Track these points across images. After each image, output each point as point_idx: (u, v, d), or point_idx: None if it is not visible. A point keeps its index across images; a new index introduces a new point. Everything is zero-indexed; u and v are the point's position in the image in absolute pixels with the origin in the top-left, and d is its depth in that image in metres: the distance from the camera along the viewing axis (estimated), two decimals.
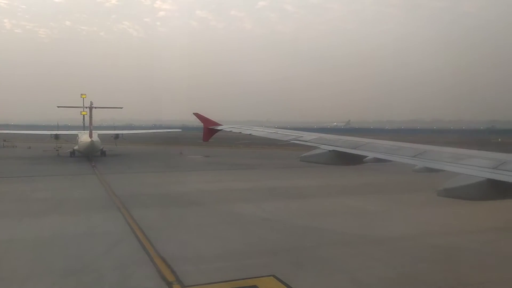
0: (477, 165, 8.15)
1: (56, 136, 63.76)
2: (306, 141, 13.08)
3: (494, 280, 13.51)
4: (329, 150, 11.38)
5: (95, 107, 57.24)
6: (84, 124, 65.57)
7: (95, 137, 54.16)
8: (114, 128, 73.40)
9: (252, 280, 13.08)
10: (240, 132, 17.08)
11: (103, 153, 58.74)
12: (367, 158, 10.12)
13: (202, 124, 18.25)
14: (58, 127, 71.09)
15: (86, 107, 59.85)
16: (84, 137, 54.84)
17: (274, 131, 16.45)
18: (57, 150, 62.19)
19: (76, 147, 56.88)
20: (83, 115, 65.48)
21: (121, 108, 75.37)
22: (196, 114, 18.62)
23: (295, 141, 13.66)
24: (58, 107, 69.62)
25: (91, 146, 53.31)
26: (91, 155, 54.84)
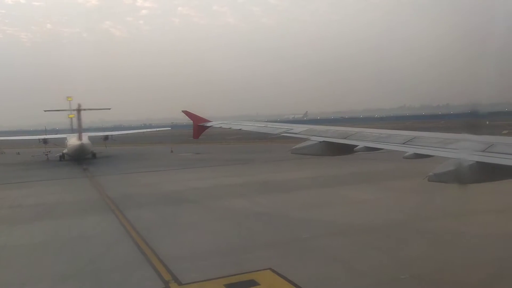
0: (466, 149, 8.24)
1: (45, 141, 63.11)
2: (296, 134, 13.12)
3: (486, 261, 13.71)
4: (320, 141, 11.43)
5: (83, 109, 56.60)
6: (72, 127, 64.97)
7: (84, 140, 53.62)
8: (103, 129, 72.88)
9: (249, 274, 13.12)
10: (230, 128, 17.09)
11: (93, 155, 58.21)
12: (358, 147, 10.19)
13: (192, 121, 18.19)
14: (46, 131, 70.44)
15: (73, 110, 59.25)
16: (73, 140, 54.25)
17: (264, 125, 16.49)
18: (46, 154, 61.53)
19: (65, 151, 56.24)
20: (71, 118, 64.94)
21: (109, 109, 74.72)
22: (185, 112, 18.55)
23: (286, 134, 13.69)
24: (45, 111, 68.85)
25: (81, 149, 52.76)
26: (81, 158, 54.32)
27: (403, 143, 9.63)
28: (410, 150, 9.03)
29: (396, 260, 14.24)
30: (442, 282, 12.48)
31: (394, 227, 18.15)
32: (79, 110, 55.21)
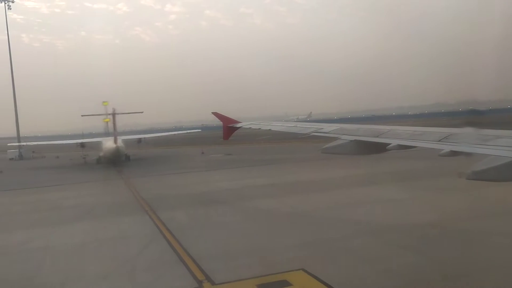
0: (505, 145, 7.90)
1: (82, 145, 65.23)
2: (326, 133, 12.98)
3: None
4: (351, 140, 11.25)
5: (117, 113, 58.24)
6: (107, 131, 66.95)
7: (119, 143, 55.13)
8: (137, 132, 74.68)
9: (281, 275, 13.06)
10: (259, 128, 17.08)
11: (127, 158, 59.74)
12: (390, 145, 9.96)
13: (222, 123, 18.31)
14: (83, 136, 72.89)
15: (108, 114, 61.03)
16: (108, 144, 55.92)
17: (293, 125, 16.44)
18: (83, 158, 63.63)
19: (101, 154, 57.98)
20: (106, 122, 66.90)
21: (142, 112, 76.42)
22: (215, 113, 18.69)
23: (316, 134, 13.56)
24: (82, 116, 71.26)
25: (116, 152, 54.28)
26: (116, 161, 55.82)
27: (439, 141, 9.33)
28: (446, 147, 8.74)
29: (430, 260, 13.82)
30: (474, 283, 12.02)
31: (429, 227, 17.61)
32: (113, 114, 56.83)
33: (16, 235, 20.83)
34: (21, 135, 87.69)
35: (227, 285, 12.73)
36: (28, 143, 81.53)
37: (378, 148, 10.75)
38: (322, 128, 13.59)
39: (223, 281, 12.93)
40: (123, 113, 63.26)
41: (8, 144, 79.69)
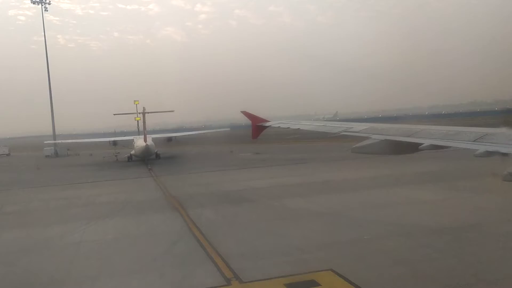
0: None
1: (114, 143, 66.95)
2: (356, 132, 12.81)
3: None
4: (381, 140, 11.06)
5: (148, 112, 59.36)
6: (138, 129, 68.43)
7: (149, 141, 56.17)
8: (167, 131, 75.90)
9: (310, 275, 13.00)
10: (288, 127, 17.02)
11: (157, 156, 60.79)
12: (423, 145, 9.72)
13: (250, 121, 18.34)
14: (115, 134, 74.88)
15: (139, 113, 62.33)
16: (139, 142, 57.10)
17: (322, 124, 16.31)
18: (115, 155, 65.30)
19: (132, 152, 59.27)
20: (137, 121, 68.45)
21: (173, 111, 77.59)
22: (244, 112, 18.73)
23: (345, 133, 13.40)
24: (114, 114, 73.23)
25: (146, 150, 55.35)
26: (146, 159, 56.94)
27: (474, 141, 9.04)
28: (481, 148, 8.46)
29: (464, 263, 13.42)
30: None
31: (464, 229, 17.11)
32: (144, 113, 57.98)
33: (54, 229, 21.65)
34: (56, 133, 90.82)
35: (255, 283, 12.78)
36: (63, 141, 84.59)
37: (410, 148, 10.51)
38: (352, 128, 13.42)
39: (251, 280, 13.00)
40: (153, 112, 64.54)
41: (45, 142, 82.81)
